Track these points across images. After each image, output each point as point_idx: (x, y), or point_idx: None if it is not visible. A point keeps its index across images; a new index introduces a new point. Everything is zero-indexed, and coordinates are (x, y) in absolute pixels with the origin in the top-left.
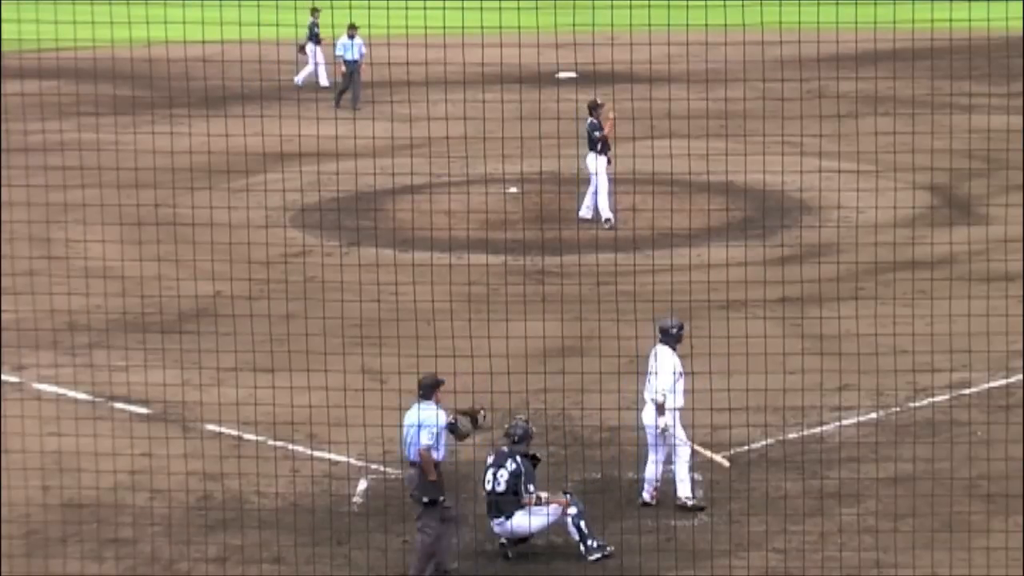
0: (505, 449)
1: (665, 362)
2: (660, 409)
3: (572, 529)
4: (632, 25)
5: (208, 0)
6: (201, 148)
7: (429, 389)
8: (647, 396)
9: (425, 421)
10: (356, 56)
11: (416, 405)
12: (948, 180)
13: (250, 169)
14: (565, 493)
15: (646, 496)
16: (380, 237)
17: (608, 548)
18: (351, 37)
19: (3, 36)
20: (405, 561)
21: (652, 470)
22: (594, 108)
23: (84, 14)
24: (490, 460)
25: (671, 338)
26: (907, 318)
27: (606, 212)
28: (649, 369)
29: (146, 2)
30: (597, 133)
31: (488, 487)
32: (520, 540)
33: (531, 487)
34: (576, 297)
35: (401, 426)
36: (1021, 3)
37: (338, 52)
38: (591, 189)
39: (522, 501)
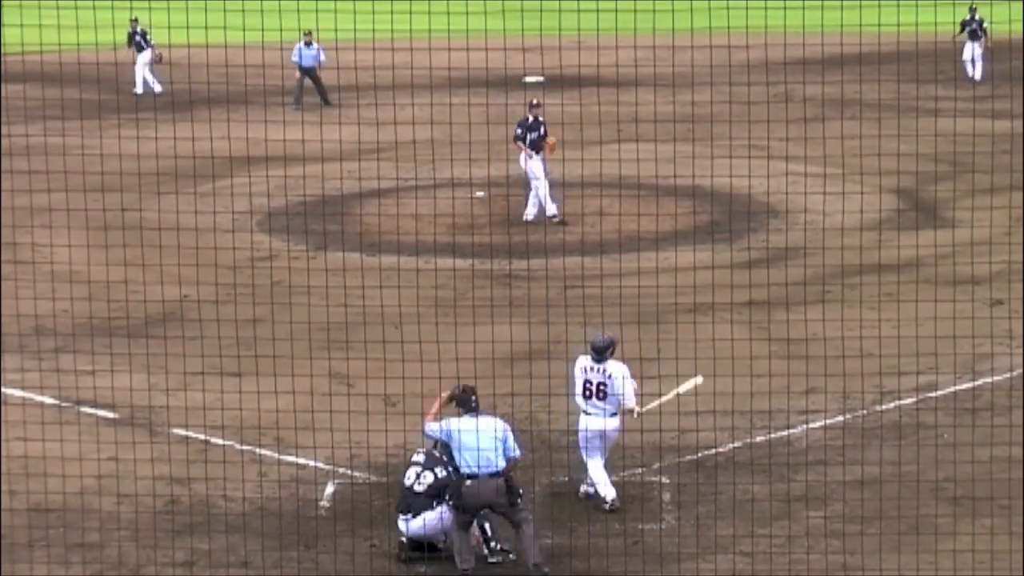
0: (437, 454)
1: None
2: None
3: (477, 530)
4: (599, 29)
5: (174, 4)
6: (167, 152)
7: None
8: (599, 408)
9: (504, 431)
10: (312, 63)
11: (474, 417)
12: (914, 184)
13: (217, 173)
14: None
15: (613, 496)
16: (347, 241)
17: (511, 555)
18: (307, 44)
19: None
20: (372, 565)
21: (603, 474)
22: (535, 107)
23: (50, 18)
24: (419, 459)
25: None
26: (874, 321)
27: (552, 208)
28: (596, 380)
29: (112, 6)
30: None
31: (408, 483)
32: (417, 546)
33: (450, 501)
34: (543, 301)
35: (445, 440)
36: (989, 7)
37: (293, 58)
38: (537, 191)
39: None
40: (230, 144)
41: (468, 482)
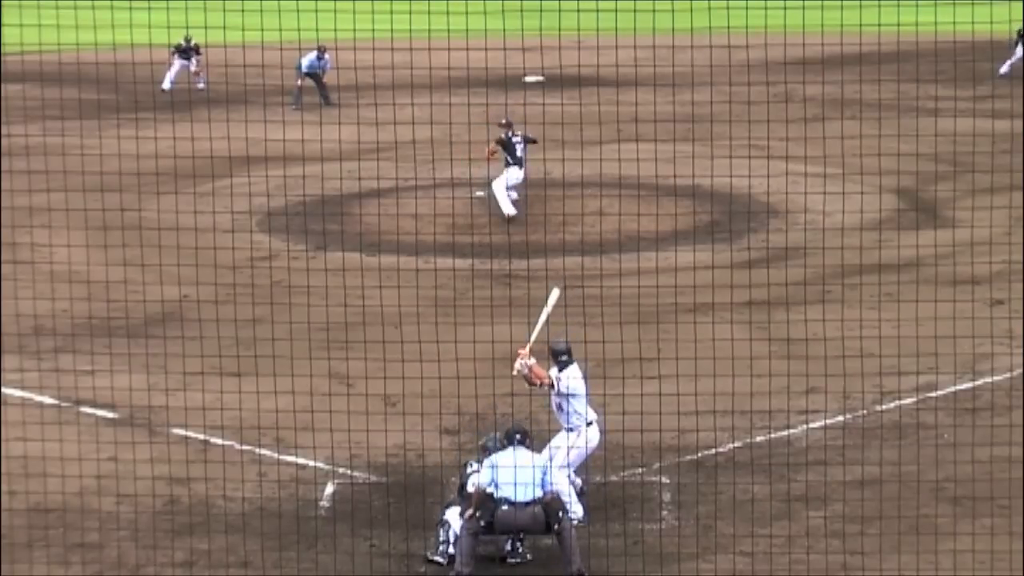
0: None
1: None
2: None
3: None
4: (599, 29)
5: (173, 4)
6: (167, 152)
7: (525, 435)
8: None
9: (545, 465)
10: (316, 70)
11: (512, 450)
12: (915, 183)
13: (216, 173)
14: None
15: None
16: (347, 241)
17: (528, 556)
18: (319, 58)
19: None
20: (372, 565)
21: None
22: (504, 124)
23: (49, 18)
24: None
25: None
26: (874, 321)
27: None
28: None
29: (111, 6)
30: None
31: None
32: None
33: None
34: (543, 301)
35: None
36: (989, 8)
37: (305, 69)
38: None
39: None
40: (230, 144)
41: (505, 507)
